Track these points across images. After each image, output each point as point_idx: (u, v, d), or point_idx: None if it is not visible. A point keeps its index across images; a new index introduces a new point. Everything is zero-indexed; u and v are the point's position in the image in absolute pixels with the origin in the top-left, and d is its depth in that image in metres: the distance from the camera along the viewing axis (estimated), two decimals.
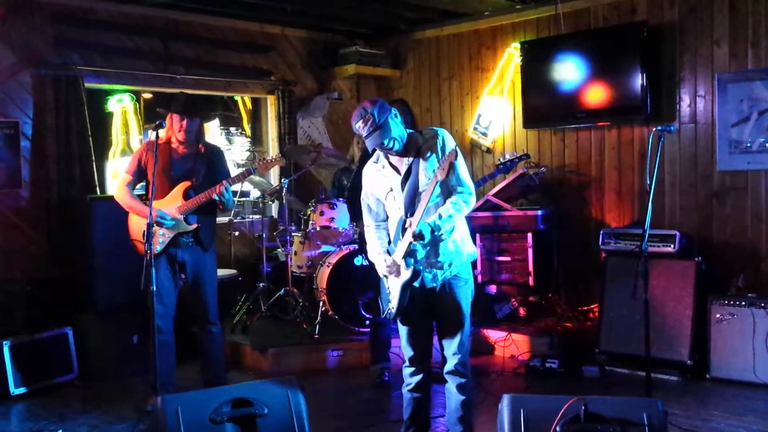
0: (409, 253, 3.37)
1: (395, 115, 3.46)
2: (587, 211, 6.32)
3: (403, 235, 3.40)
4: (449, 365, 3.54)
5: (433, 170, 3.37)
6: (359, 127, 3.42)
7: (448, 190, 3.46)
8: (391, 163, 3.54)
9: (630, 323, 5.06)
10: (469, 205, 3.46)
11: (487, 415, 4.22)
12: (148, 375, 4.50)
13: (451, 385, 3.55)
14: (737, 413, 4.36)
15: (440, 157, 3.41)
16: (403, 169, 3.49)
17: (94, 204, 5.44)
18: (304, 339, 5.68)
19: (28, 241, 5.66)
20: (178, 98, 4.50)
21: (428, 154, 3.45)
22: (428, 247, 3.40)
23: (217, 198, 4.39)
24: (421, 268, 3.42)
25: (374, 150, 3.56)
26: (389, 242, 3.59)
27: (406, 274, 3.39)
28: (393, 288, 3.48)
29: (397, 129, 3.44)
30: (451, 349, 3.53)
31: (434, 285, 3.49)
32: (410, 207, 3.42)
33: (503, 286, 6.33)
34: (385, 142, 3.40)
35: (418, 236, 3.29)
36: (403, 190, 3.47)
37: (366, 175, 3.66)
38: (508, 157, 6.13)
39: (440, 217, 3.35)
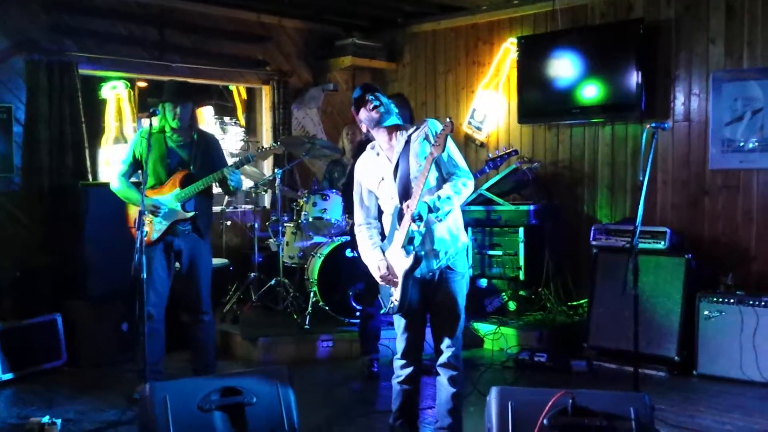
0: (409, 241, 3.34)
1: (395, 104, 3.56)
2: (579, 206, 6.34)
3: (399, 224, 3.39)
4: (442, 358, 3.53)
5: (425, 156, 3.35)
6: (357, 87, 3.57)
7: (443, 178, 3.45)
8: (385, 153, 3.55)
9: (619, 319, 5.09)
10: (468, 188, 3.43)
11: (475, 407, 4.24)
12: (136, 362, 4.49)
13: (443, 377, 3.55)
14: (723, 409, 4.38)
15: (432, 142, 3.39)
16: (394, 159, 3.49)
17: (86, 191, 5.42)
18: (295, 329, 5.68)
19: (19, 227, 5.64)
20: (168, 86, 4.51)
21: (419, 142, 3.45)
22: (424, 230, 3.36)
23: (227, 180, 4.43)
24: (423, 253, 3.38)
25: (366, 143, 3.60)
26: (382, 239, 3.58)
27: (407, 261, 3.35)
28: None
29: (386, 98, 3.53)
30: (445, 342, 3.52)
31: (430, 275, 3.47)
32: (404, 195, 3.40)
33: (494, 280, 6.35)
34: (370, 97, 3.45)
35: (417, 218, 3.26)
36: (395, 179, 3.47)
37: (360, 165, 3.65)
38: (498, 153, 6.13)
39: (439, 197, 3.33)
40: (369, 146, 3.64)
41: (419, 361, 3.65)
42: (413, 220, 3.28)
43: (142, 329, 4.31)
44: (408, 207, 3.31)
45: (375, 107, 3.46)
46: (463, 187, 3.40)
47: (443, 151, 3.29)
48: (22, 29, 5.67)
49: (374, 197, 3.63)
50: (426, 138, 3.42)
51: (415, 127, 3.52)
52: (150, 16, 6.40)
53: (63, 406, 4.49)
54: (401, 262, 3.39)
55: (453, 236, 3.49)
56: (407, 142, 3.48)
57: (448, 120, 3.32)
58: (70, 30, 5.92)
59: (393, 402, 3.68)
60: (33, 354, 5.09)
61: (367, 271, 3.64)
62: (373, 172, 3.57)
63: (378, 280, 3.51)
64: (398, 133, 3.53)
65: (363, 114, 3.51)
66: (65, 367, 5.23)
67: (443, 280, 3.50)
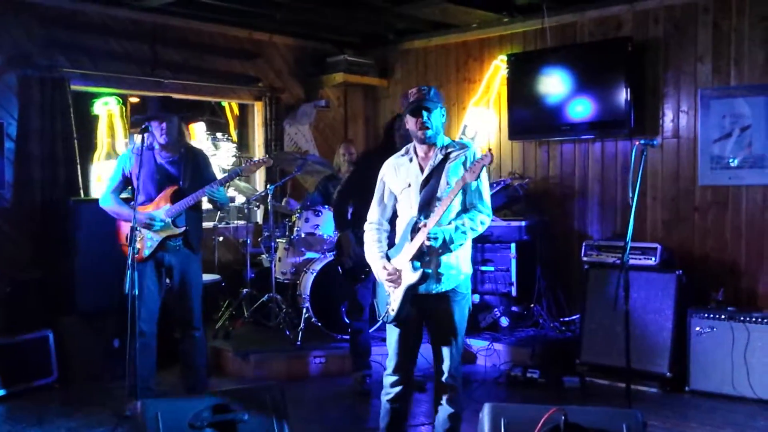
0: (419, 256, 3.35)
1: (443, 114, 3.51)
2: (570, 222, 6.37)
3: (412, 238, 3.38)
4: (441, 377, 3.49)
5: (456, 179, 3.34)
6: (412, 92, 3.47)
7: (465, 206, 3.46)
8: (418, 161, 3.52)
9: (611, 335, 5.10)
10: (485, 225, 3.46)
11: (467, 423, 4.22)
12: (128, 379, 4.47)
13: (441, 396, 3.50)
14: (715, 426, 4.40)
15: (467, 167, 3.36)
16: (427, 169, 3.47)
17: (77, 206, 5.41)
18: (287, 345, 5.67)
19: (9, 243, 5.61)
20: (152, 103, 4.53)
21: (455, 163, 3.44)
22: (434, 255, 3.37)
23: (212, 196, 4.43)
24: (430, 271, 3.37)
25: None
26: (389, 246, 3.57)
27: (413, 276, 3.35)
28: (395, 291, 3.44)
29: (439, 120, 3.46)
30: (444, 362, 3.48)
31: (430, 294, 3.44)
32: (424, 209, 3.40)
33: (486, 296, 6.35)
34: (424, 116, 3.40)
35: (433, 238, 3.27)
36: (421, 190, 3.45)
37: (388, 166, 3.62)
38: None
39: (456, 229, 3.35)
40: (404, 149, 3.62)
41: (409, 379, 3.62)
42: (428, 239, 3.29)
43: (133, 345, 4.30)
44: (426, 225, 3.32)
45: (424, 128, 3.42)
46: (481, 224, 3.44)
47: (476, 179, 3.29)
48: (16, 45, 5.67)
49: (393, 199, 3.61)
50: (464, 162, 3.42)
51: (456, 147, 3.50)
52: (143, 32, 6.42)
53: (54, 422, 4.46)
54: (407, 276, 3.39)
55: (458, 263, 3.48)
56: (444, 160, 3.46)
57: (488, 151, 3.30)
58: (64, 46, 5.93)
59: (381, 419, 3.62)
60: (24, 370, 5.05)
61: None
62: (402, 176, 3.54)
63: (384, 280, 3.48)
64: (438, 146, 3.51)
65: (411, 124, 3.47)
66: (56, 383, 5.19)
67: (444, 299, 3.47)
